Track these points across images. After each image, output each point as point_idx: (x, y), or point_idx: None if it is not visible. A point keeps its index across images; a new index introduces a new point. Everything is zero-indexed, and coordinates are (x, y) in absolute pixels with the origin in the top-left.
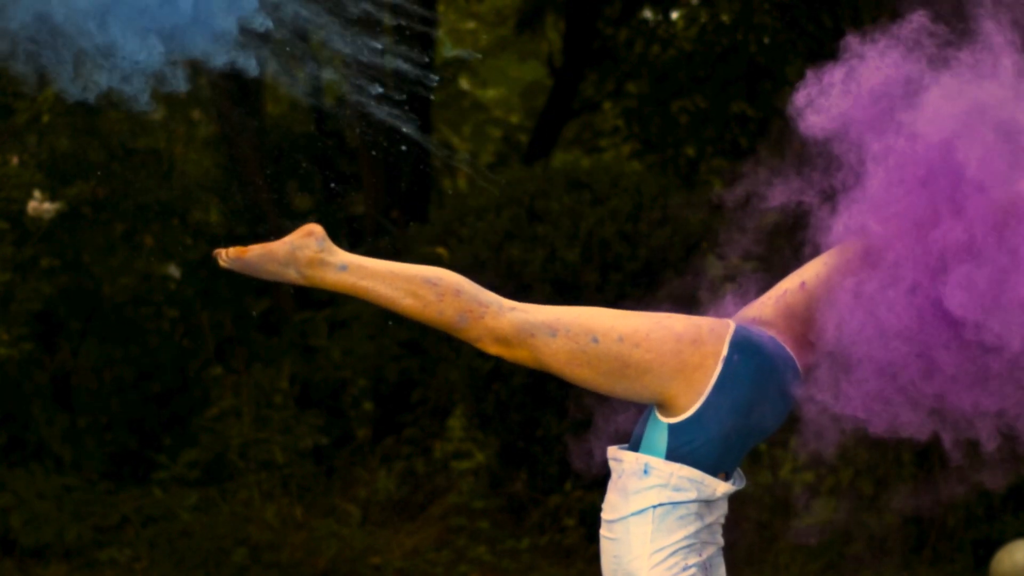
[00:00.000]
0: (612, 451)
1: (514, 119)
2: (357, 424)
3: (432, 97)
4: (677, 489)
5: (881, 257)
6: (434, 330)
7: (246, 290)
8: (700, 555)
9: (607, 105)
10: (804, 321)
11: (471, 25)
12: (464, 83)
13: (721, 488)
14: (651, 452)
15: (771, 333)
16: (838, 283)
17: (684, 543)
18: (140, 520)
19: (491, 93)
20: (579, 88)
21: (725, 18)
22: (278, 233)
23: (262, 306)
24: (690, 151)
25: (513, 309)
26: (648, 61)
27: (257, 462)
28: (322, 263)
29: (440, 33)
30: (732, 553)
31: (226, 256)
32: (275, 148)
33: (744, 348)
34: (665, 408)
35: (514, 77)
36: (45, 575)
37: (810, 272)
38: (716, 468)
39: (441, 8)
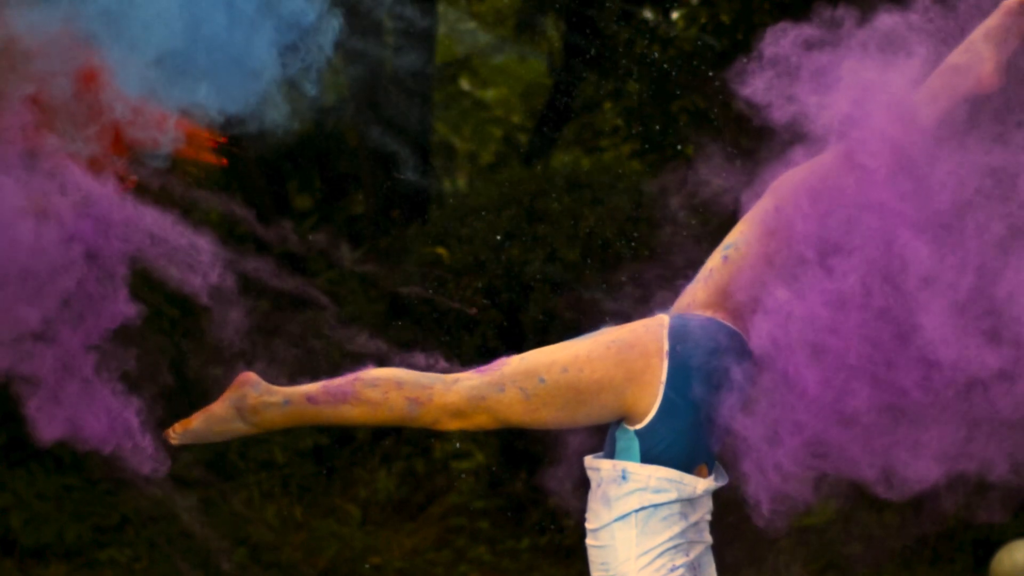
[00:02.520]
0: (589, 460)
1: (515, 119)
2: None
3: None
4: (657, 491)
5: (790, 228)
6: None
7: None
8: (687, 555)
9: (607, 105)
10: (735, 292)
11: (471, 25)
12: (464, 83)
13: (702, 485)
14: (626, 458)
15: (708, 314)
16: (758, 265)
17: (670, 544)
18: (140, 520)
19: (491, 93)
20: (579, 88)
21: (725, 18)
22: (278, 234)
23: (262, 306)
24: (690, 151)
25: (456, 381)
26: (648, 61)
27: (257, 462)
28: (265, 406)
29: (440, 33)
30: (732, 553)
31: (174, 434)
32: (275, 148)
33: (684, 337)
34: (629, 418)
35: (514, 77)
36: (45, 575)
37: (729, 244)
38: (691, 462)
39: (441, 8)
